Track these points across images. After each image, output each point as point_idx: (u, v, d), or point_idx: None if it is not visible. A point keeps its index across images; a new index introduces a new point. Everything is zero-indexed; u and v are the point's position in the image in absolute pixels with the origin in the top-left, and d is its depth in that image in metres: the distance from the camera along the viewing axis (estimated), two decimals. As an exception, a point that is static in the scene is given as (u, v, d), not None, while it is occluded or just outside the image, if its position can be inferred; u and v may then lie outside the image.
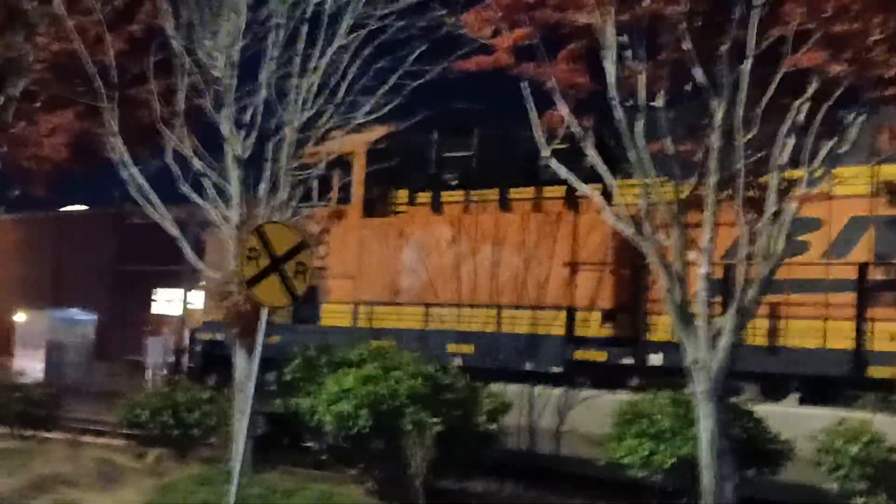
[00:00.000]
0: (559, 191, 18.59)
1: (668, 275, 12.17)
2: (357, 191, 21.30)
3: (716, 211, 12.08)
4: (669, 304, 12.21)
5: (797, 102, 11.68)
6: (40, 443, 19.81)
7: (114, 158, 17.09)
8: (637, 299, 17.50)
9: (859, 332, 15.03)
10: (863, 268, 15.06)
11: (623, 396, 16.85)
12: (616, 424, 13.77)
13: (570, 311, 18.04)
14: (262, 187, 16.35)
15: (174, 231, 16.91)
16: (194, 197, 16.81)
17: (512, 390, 17.52)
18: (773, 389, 15.62)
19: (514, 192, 19.26)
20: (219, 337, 23.14)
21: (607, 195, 17.82)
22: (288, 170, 16.15)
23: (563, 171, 13.52)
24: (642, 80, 12.37)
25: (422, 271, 19.97)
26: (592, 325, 17.78)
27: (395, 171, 20.16)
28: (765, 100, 11.44)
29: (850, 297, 15.05)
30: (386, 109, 16.07)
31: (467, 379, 16.01)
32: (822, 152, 11.92)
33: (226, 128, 16.19)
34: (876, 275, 14.98)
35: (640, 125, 12.47)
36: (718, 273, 12.57)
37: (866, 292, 15.03)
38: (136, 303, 48.74)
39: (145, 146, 17.45)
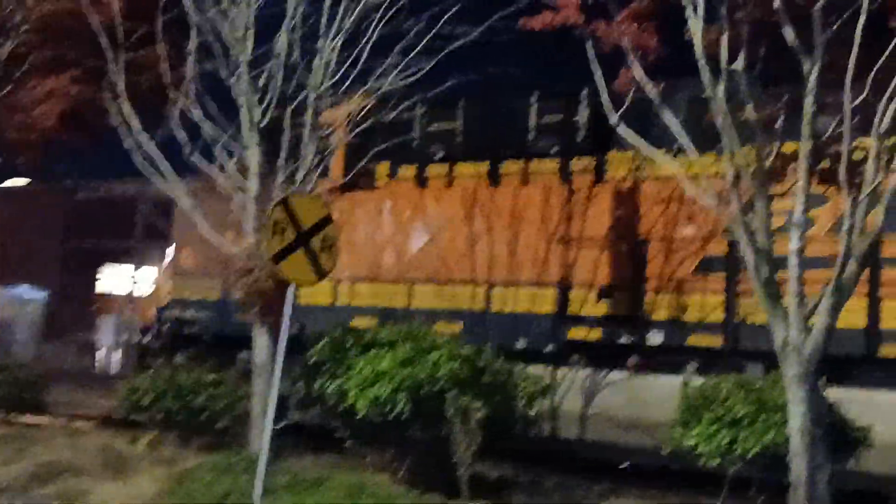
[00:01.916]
0: (552, 164, 17.94)
1: (755, 250, 11.32)
2: (336, 163, 20.37)
3: (809, 181, 11.21)
4: (755, 281, 11.39)
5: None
6: (28, 428, 18.63)
7: (116, 125, 15.95)
8: (635, 276, 16.96)
9: (871, 310, 14.59)
10: (872, 243, 14.42)
11: (659, 379, 16.30)
12: (683, 410, 12.92)
13: (564, 288, 17.46)
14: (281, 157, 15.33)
15: (187, 203, 15.82)
16: (206, 166, 15.77)
17: (533, 372, 16.72)
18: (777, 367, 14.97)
19: (504, 166, 18.55)
20: (188, 315, 22.27)
21: (600, 168, 17.66)
22: (311, 138, 15.12)
23: (633, 138, 12.62)
24: (724, 39, 11.50)
25: (406, 247, 19.18)
26: (587, 303, 17.21)
27: (376, 143, 19.20)
28: (881, 60, 10.60)
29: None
30: (418, 75, 15.06)
31: (501, 361, 15.08)
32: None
33: (242, 91, 15.11)
34: (887, 251, 14.38)
35: (721, 89, 11.57)
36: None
37: (876, 268, 14.50)
38: (84, 280, 47.33)
39: (149, 113, 16.25)
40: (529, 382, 15.05)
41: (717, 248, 16.29)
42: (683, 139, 12.03)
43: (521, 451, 16.72)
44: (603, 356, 17.06)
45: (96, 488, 14.68)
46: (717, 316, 16.09)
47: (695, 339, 16.21)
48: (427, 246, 18.79)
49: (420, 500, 13.41)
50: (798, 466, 11.08)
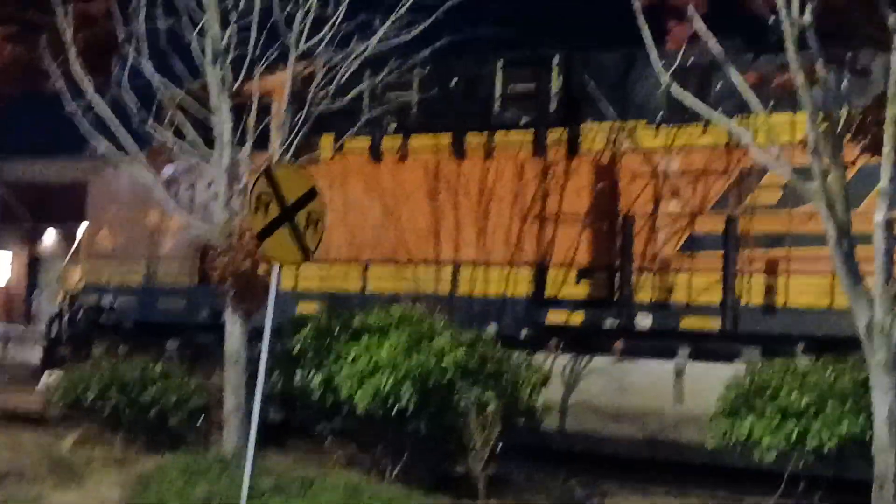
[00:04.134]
0: (524, 136, 16.75)
1: (836, 223, 10.27)
2: (277, 135, 18.80)
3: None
4: (837, 256, 10.33)
5: None
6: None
7: (60, 87, 14.19)
8: (618, 255, 15.91)
9: None
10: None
11: (648, 365, 15.29)
12: (733, 399, 11.81)
13: (540, 269, 16.27)
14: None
15: (148, 176, 14.15)
16: (164, 135, 14.16)
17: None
18: (776, 352, 14.13)
19: (469, 138, 17.20)
20: (107, 300, 20.54)
21: (574, 141, 16.57)
22: (290, 103, 13.64)
23: (690, 100, 11.46)
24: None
25: (359, 226, 17.73)
26: (566, 285, 16.07)
27: (321, 114, 17.74)
28: None
29: (862, 251, 13.70)
30: (411, 34, 13.64)
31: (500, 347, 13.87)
32: None
33: (211, 46, 13.51)
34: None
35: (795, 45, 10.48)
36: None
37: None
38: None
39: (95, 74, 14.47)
40: (532, 371, 13.77)
41: (709, 225, 15.32)
42: (752, 100, 10.89)
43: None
44: (584, 341, 15.95)
45: (49, 495, 13.03)
46: (712, 297, 15.10)
47: (688, 322, 15.21)
48: (384, 224, 17.39)
49: (427, 502, 12.10)
50: (884, 461, 10.09)
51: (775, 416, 11.22)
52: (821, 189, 10.26)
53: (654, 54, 11.34)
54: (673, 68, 11.53)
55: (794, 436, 11.06)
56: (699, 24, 10.80)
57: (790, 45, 10.28)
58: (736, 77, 10.91)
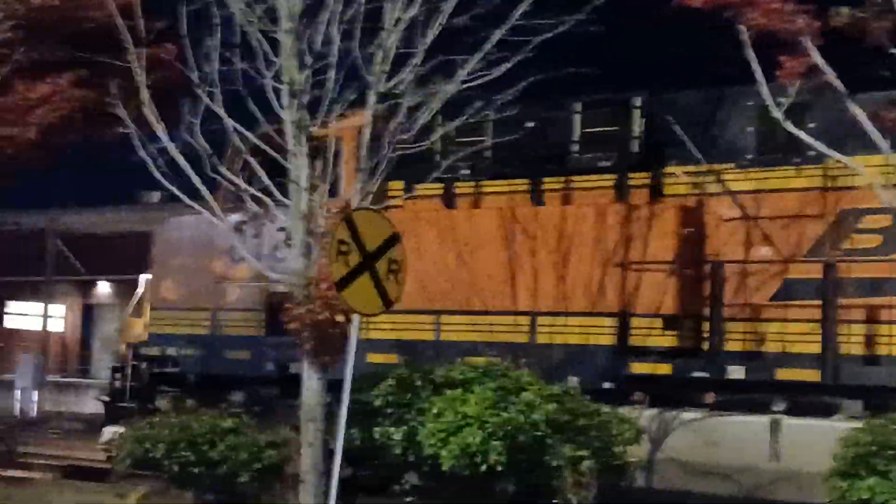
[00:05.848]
0: (605, 180, 16.11)
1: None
2: (346, 182, 18.28)
3: None
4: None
5: None
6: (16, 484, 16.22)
7: (132, 133, 13.65)
8: (708, 303, 15.16)
9: None
10: None
11: (741, 419, 14.56)
12: (851, 459, 11.03)
13: (623, 318, 15.56)
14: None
15: (226, 224, 13.59)
16: (235, 182, 13.59)
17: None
18: (879, 405, 13.35)
19: (548, 182, 16.59)
20: (170, 352, 20.01)
21: (658, 184, 15.90)
22: (372, 144, 13.09)
23: (806, 138, 10.79)
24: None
25: (431, 274, 17.10)
26: (651, 334, 15.34)
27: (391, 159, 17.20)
28: None
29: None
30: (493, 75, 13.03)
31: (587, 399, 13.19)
32: None
33: (288, 89, 12.94)
34: None
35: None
36: None
37: None
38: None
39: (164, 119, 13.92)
40: (623, 425, 13.07)
41: (805, 272, 14.60)
42: (876, 137, 10.22)
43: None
44: (671, 393, 15.24)
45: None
46: (810, 347, 14.36)
47: (784, 374, 14.47)
48: (458, 272, 16.76)
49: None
50: None
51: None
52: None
53: (764, 89, 10.68)
54: (787, 104, 10.83)
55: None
56: (817, 57, 10.13)
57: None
58: (860, 114, 10.21)
